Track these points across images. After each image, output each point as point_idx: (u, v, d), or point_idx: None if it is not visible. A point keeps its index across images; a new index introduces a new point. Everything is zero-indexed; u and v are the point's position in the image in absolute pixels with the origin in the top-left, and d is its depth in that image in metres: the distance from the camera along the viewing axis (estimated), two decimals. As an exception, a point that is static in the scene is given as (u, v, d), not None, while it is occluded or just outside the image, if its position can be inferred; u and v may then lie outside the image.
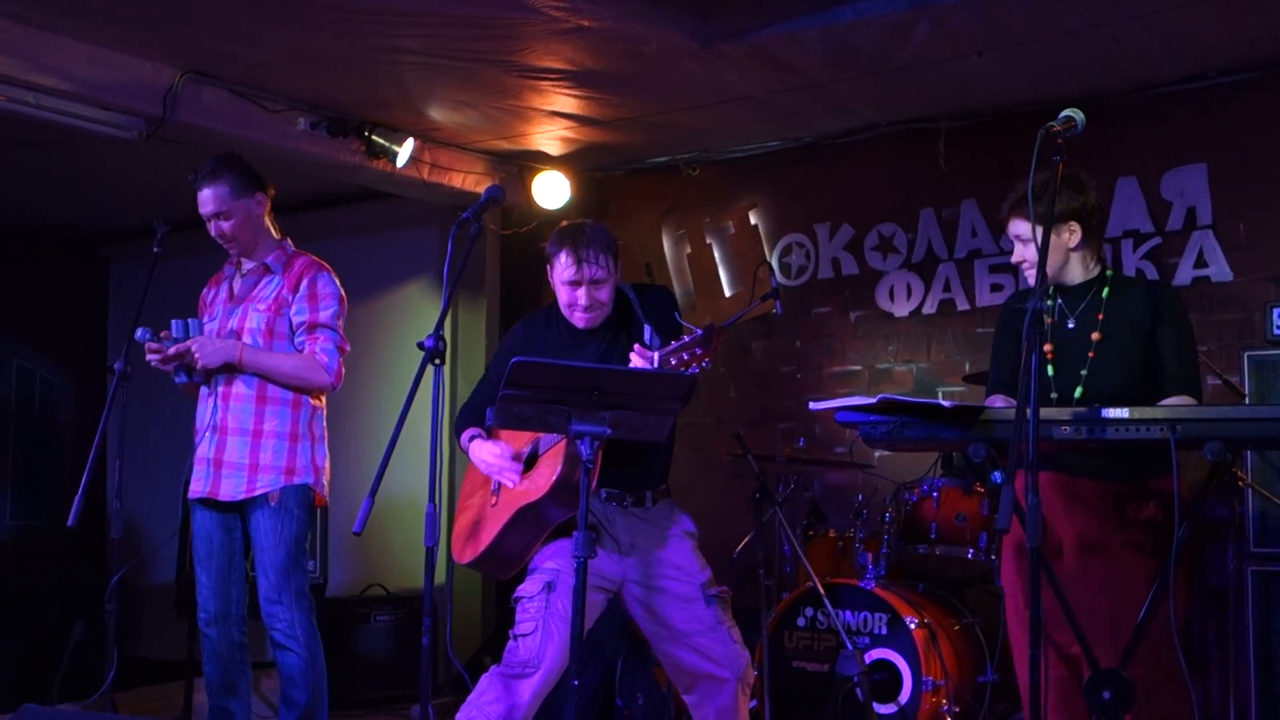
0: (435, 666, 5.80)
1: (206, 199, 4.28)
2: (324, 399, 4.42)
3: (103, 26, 5.02)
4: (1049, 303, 3.58)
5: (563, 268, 3.67)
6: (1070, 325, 3.53)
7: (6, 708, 4.23)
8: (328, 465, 4.43)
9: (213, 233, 4.32)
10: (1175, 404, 3.37)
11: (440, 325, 3.36)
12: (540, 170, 6.87)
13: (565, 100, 5.88)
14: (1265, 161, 5.41)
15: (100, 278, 8.77)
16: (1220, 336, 5.44)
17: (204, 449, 4.30)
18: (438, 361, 3.33)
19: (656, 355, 3.47)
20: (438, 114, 6.12)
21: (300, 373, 4.24)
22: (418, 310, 7.35)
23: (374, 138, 6.11)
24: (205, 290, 4.54)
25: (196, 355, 4.17)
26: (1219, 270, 5.49)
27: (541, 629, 3.61)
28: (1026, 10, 4.80)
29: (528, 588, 3.70)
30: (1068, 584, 3.29)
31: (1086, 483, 3.45)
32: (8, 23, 4.89)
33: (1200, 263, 5.52)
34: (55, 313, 8.32)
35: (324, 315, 4.29)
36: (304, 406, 4.30)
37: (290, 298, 4.29)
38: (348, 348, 4.36)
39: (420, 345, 3.39)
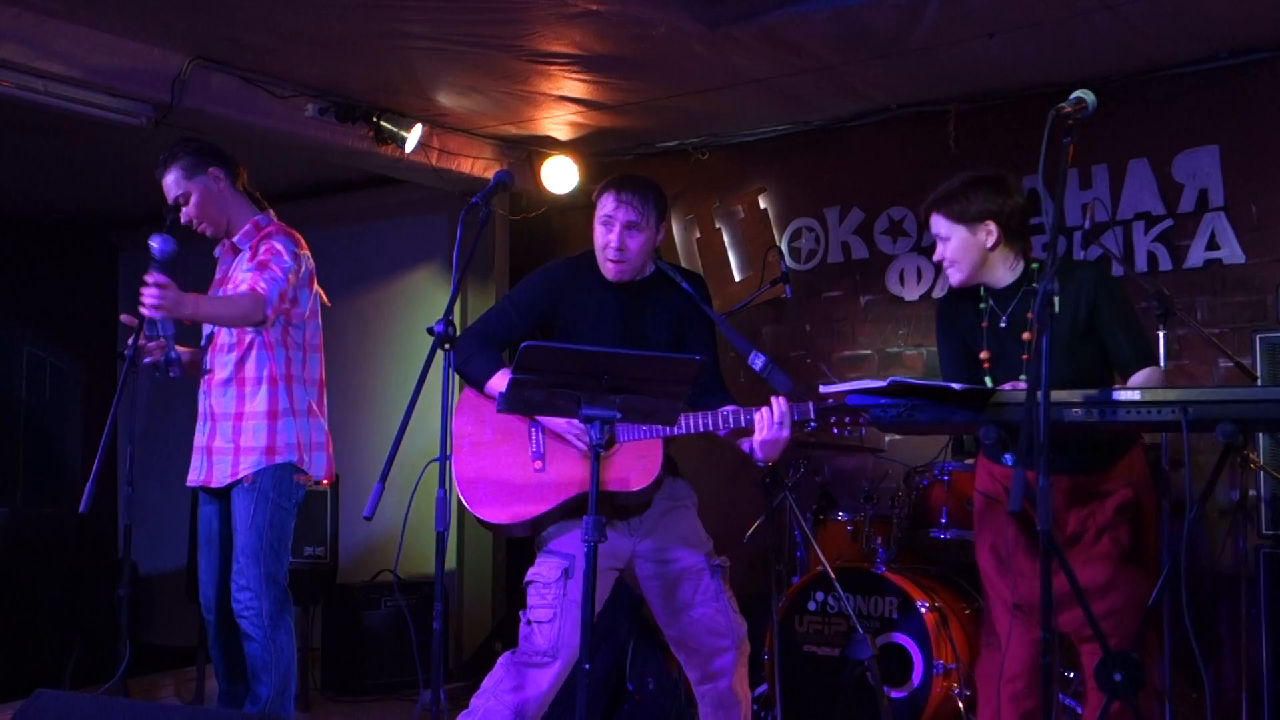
0: (445, 652, 5.81)
1: (167, 186, 4.24)
2: (310, 375, 4.34)
3: (111, 13, 5.01)
4: (980, 306, 3.62)
5: (600, 205, 3.70)
6: (1003, 325, 3.58)
7: (20, 693, 4.24)
8: (326, 440, 4.36)
9: (181, 220, 4.27)
10: (1145, 378, 3.43)
11: (450, 310, 3.36)
12: (549, 155, 6.86)
13: (573, 85, 5.87)
14: (1278, 143, 5.38)
15: (110, 265, 8.78)
16: (1232, 319, 5.41)
17: (198, 437, 4.31)
18: (447, 346, 3.32)
19: (811, 408, 3.54)
20: (446, 99, 6.11)
21: (239, 308, 4.06)
22: (426, 295, 7.35)
23: (382, 123, 6.10)
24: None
25: (156, 299, 3.87)
26: (1231, 252, 5.46)
27: (560, 617, 3.59)
28: (1037, -9, 4.78)
29: (542, 572, 3.67)
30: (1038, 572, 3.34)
31: (1059, 478, 3.45)
32: (16, 10, 4.88)
33: (1212, 245, 5.49)
34: (65, 300, 8.34)
35: (271, 259, 4.15)
36: (282, 383, 4.23)
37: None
38: (292, 293, 4.19)
39: (430, 330, 3.39)
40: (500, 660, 3.69)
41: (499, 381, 3.60)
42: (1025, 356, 3.51)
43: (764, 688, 5.19)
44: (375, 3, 4.90)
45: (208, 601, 4.31)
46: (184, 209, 4.25)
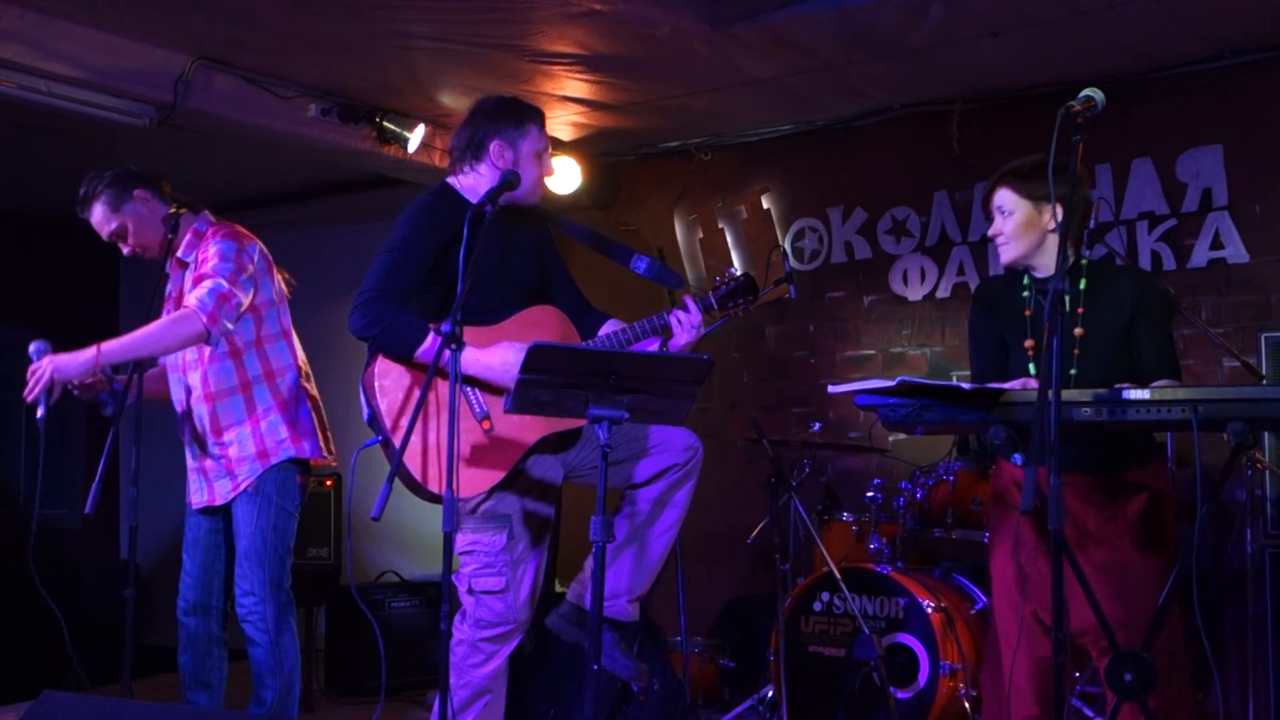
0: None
1: (97, 224, 4.15)
2: (283, 364, 4.23)
3: (114, 13, 5.00)
4: (1024, 294, 3.59)
5: (536, 138, 3.70)
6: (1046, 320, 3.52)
7: (25, 695, 4.23)
8: (315, 426, 4.26)
9: (125, 253, 4.21)
10: (1168, 384, 3.40)
11: (457, 310, 3.34)
12: (552, 155, 6.84)
13: (576, 85, 5.86)
14: (1282, 142, 5.39)
15: (112, 267, 8.76)
16: (1237, 318, 5.41)
17: (190, 460, 4.28)
18: (454, 346, 3.30)
19: (713, 297, 3.62)
20: (449, 99, 6.10)
21: (169, 330, 3.93)
22: (429, 296, 7.33)
23: (385, 124, 6.09)
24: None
25: (51, 373, 3.87)
26: (1235, 252, 5.45)
27: (513, 584, 3.53)
28: (1041, -10, 4.78)
29: (481, 540, 3.52)
30: (1066, 576, 3.31)
31: (1079, 476, 3.47)
32: (18, 10, 4.88)
33: (1216, 244, 5.49)
34: (68, 302, 8.32)
35: (208, 266, 4.04)
36: (255, 386, 4.17)
37: None
38: (237, 297, 4.03)
39: (437, 330, 3.37)
40: (457, 638, 3.56)
41: (432, 348, 3.38)
42: (1077, 352, 3.48)
43: (770, 689, 5.18)
44: (378, 3, 4.89)
45: (189, 604, 4.26)
46: (122, 245, 4.18)
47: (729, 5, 5.01)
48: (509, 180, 3.48)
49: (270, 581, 4.12)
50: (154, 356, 4.10)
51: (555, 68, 5.61)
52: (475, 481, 3.48)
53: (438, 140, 6.48)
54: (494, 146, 3.67)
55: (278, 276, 4.32)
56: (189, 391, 4.21)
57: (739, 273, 3.81)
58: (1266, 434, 4.75)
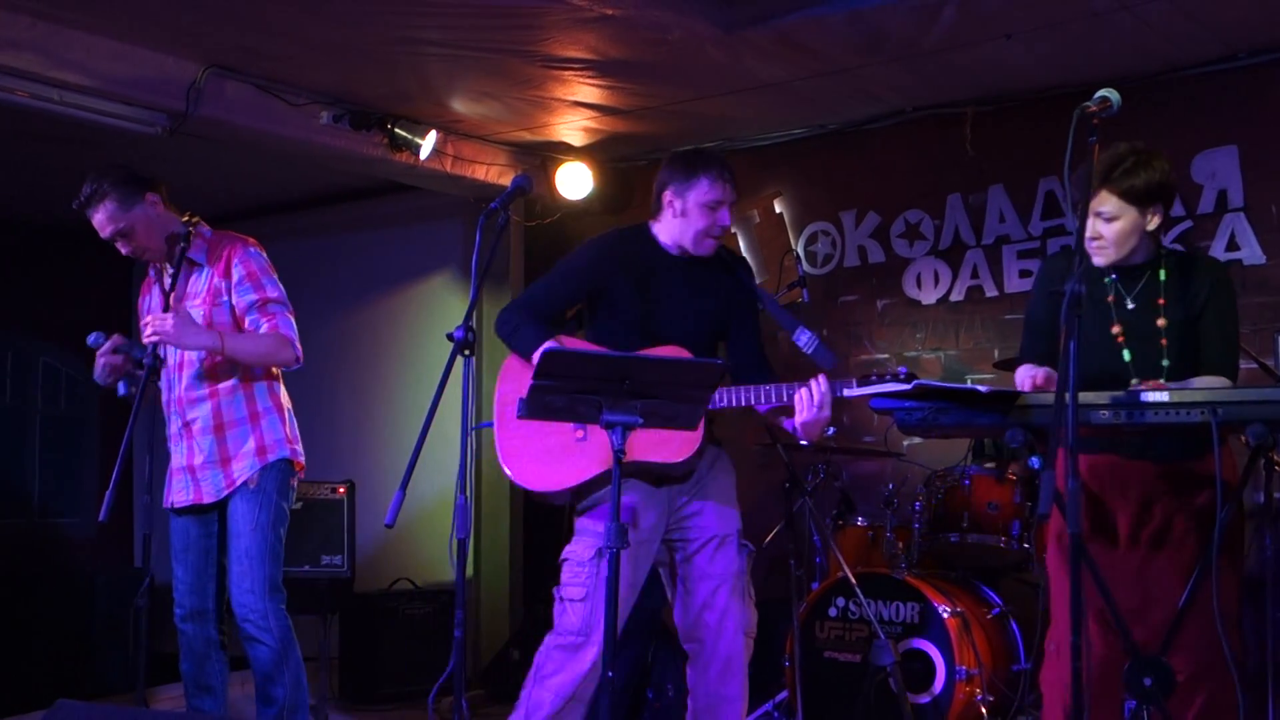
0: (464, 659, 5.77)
1: (100, 223, 4.15)
2: (273, 371, 4.31)
3: (126, 22, 5.01)
4: (1105, 280, 3.50)
5: (707, 189, 3.74)
6: (1130, 307, 3.43)
7: (40, 704, 4.23)
8: (297, 433, 4.34)
9: (124, 252, 4.22)
10: (1208, 383, 3.30)
11: (470, 316, 3.34)
12: (563, 161, 6.85)
13: (588, 90, 5.86)
14: (1297, 143, 5.36)
15: (124, 276, 8.77)
16: (1254, 319, 5.37)
17: (177, 458, 4.26)
18: (467, 353, 3.30)
19: (855, 386, 3.58)
20: (460, 106, 6.11)
21: (272, 350, 4.15)
22: (441, 303, 7.33)
23: (396, 130, 6.09)
24: (139, 300, 4.45)
25: (170, 332, 3.95)
26: (1251, 253, 5.42)
27: (593, 595, 3.64)
28: (1055, -9, 4.76)
29: (577, 550, 3.73)
30: (1118, 569, 3.26)
31: (1146, 465, 3.38)
32: (30, 19, 4.89)
33: (1232, 245, 5.46)
34: (81, 310, 8.33)
35: (272, 292, 4.19)
36: (256, 383, 4.22)
37: (224, 285, 4.19)
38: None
39: (450, 337, 3.37)
40: (542, 645, 3.75)
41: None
42: (1164, 342, 3.37)
43: (785, 694, 5.16)
44: (389, 10, 4.89)
45: (186, 610, 4.26)
46: (123, 244, 4.19)
47: (740, 9, 5.00)
48: (520, 187, 3.57)
49: (269, 580, 4.14)
50: (247, 363, 4.20)
51: (567, 73, 5.61)
52: (550, 479, 3.71)
53: (449, 147, 6.48)
54: (666, 196, 3.83)
55: None
56: (193, 385, 4.21)
57: (904, 371, 3.58)
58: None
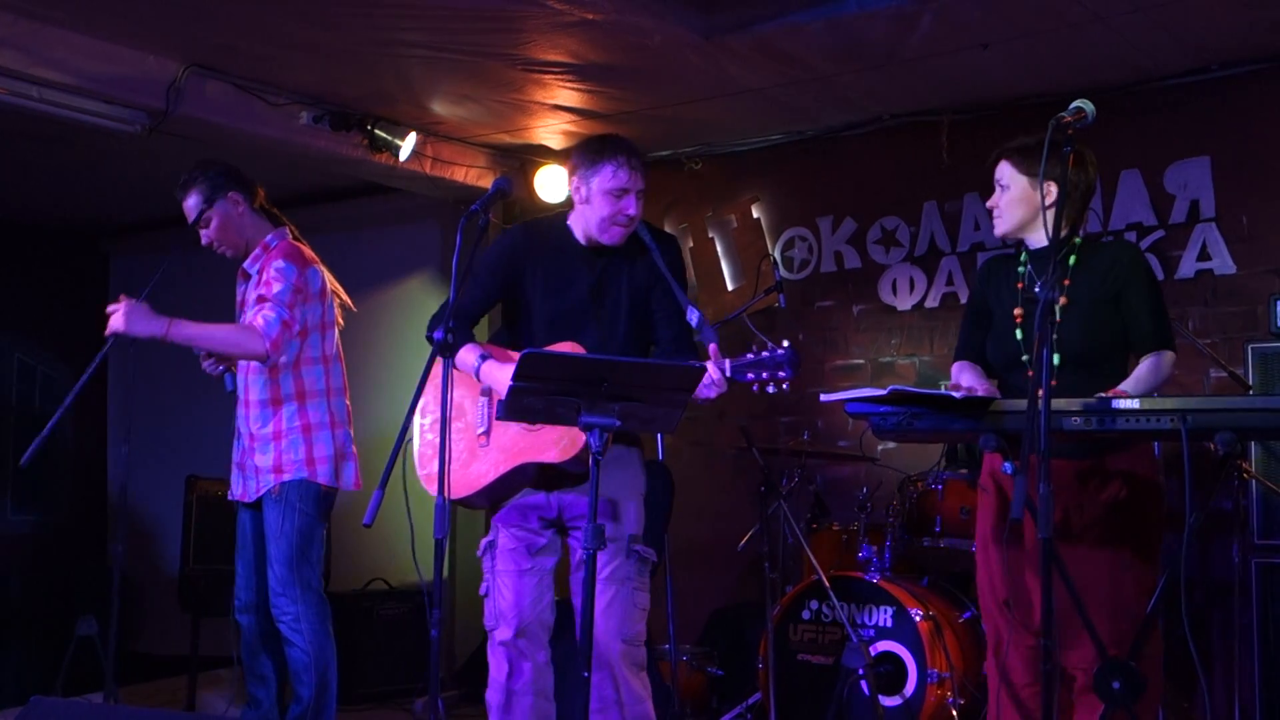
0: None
1: (187, 209, 4.29)
2: (335, 385, 4.38)
3: (106, 20, 5.01)
4: (1020, 268, 3.59)
5: (611, 175, 3.63)
6: (1036, 289, 3.50)
7: (13, 702, 4.23)
8: (333, 453, 4.30)
9: (203, 241, 4.34)
10: (1151, 366, 3.39)
11: (449, 318, 3.35)
12: (543, 164, 6.86)
13: (568, 94, 5.88)
14: (1268, 154, 5.41)
15: (101, 273, 8.75)
16: (1224, 329, 5.44)
17: (234, 453, 4.39)
18: (447, 354, 3.32)
19: (729, 365, 3.53)
20: (440, 108, 6.12)
21: (234, 338, 4.15)
22: (419, 304, 7.32)
23: (376, 132, 6.10)
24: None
25: (118, 322, 4.06)
26: (1222, 263, 5.48)
27: (493, 589, 3.77)
28: (1031, 2, 4.79)
29: (481, 546, 3.85)
30: (1030, 568, 3.31)
31: (1063, 464, 3.40)
32: (10, 16, 4.88)
33: (1203, 255, 5.52)
34: (56, 308, 8.30)
35: (272, 290, 4.20)
36: (283, 404, 4.26)
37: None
38: (296, 326, 4.22)
39: (429, 338, 3.39)
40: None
41: (466, 356, 3.65)
42: (1058, 320, 3.43)
43: (758, 696, 5.19)
44: (370, 11, 4.90)
45: (242, 603, 4.37)
46: (204, 231, 4.30)
47: (720, 15, 5.03)
48: (501, 189, 3.55)
49: (300, 583, 4.20)
50: (216, 353, 4.29)
51: (547, 77, 5.63)
52: (456, 487, 3.66)
53: (429, 148, 6.48)
54: (573, 183, 3.75)
55: (334, 301, 4.44)
56: (256, 390, 4.31)
57: (782, 349, 3.62)
58: (1254, 444, 4.78)
